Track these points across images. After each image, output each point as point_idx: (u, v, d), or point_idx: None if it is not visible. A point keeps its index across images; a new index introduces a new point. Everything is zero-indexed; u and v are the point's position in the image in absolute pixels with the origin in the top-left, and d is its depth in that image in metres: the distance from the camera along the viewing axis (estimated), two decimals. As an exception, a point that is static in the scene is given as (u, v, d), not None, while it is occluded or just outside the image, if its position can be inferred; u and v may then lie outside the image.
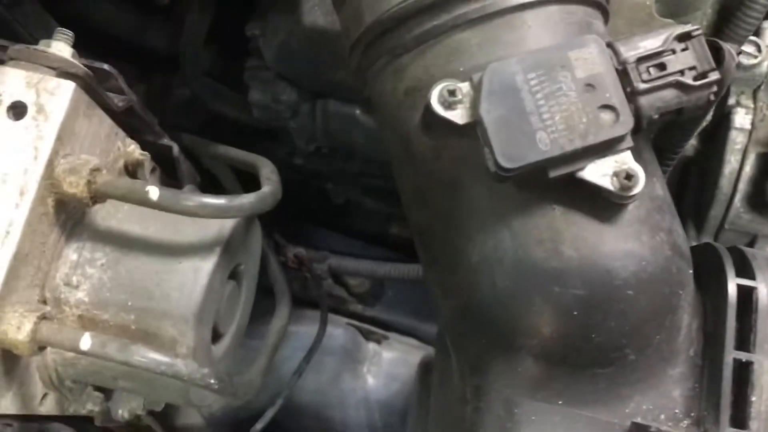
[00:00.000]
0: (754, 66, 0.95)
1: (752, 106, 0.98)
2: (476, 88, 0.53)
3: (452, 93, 0.54)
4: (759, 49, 0.95)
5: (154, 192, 0.55)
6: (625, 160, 0.52)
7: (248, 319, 0.75)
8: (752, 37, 0.94)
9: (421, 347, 1.28)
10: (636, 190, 0.52)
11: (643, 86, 0.52)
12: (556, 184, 0.53)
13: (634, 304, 0.54)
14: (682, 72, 0.52)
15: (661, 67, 0.53)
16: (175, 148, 0.74)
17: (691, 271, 0.59)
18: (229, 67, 1.31)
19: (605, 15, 0.64)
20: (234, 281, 0.68)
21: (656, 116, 0.53)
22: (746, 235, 1.00)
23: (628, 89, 0.52)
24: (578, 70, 0.52)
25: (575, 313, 0.54)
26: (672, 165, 0.73)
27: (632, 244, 0.54)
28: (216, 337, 0.67)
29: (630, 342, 0.55)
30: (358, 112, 1.14)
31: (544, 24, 0.57)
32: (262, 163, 0.69)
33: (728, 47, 0.58)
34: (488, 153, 0.52)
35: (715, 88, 0.53)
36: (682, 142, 0.70)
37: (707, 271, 0.60)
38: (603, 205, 0.54)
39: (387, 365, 1.26)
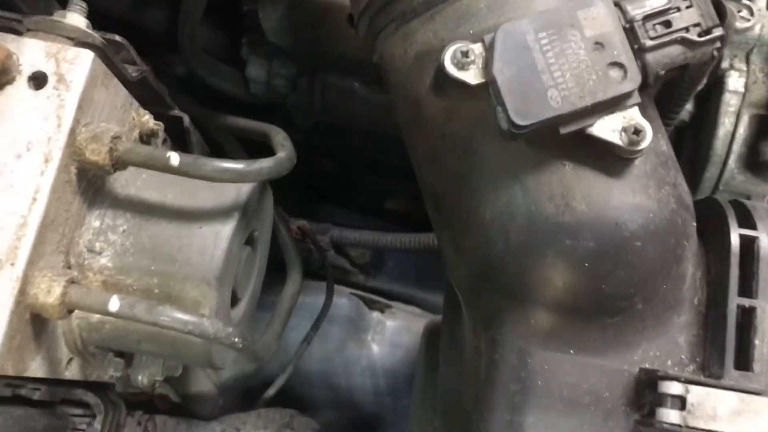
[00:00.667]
0: (746, 29, 0.97)
1: (745, 69, 1.00)
2: (488, 49, 0.54)
3: (465, 54, 0.55)
4: (752, 13, 0.98)
5: (174, 158, 0.57)
6: (633, 115, 0.54)
7: (261, 286, 0.77)
8: (745, 1, 0.96)
9: (423, 315, 1.30)
10: (643, 145, 0.54)
11: (650, 43, 0.54)
12: (566, 140, 0.54)
13: (642, 255, 0.57)
14: (687, 29, 0.54)
15: (667, 24, 0.54)
16: (186, 119, 0.75)
17: (694, 224, 0.62)
18: (226, 44, 1.31)
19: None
20: (249, 247, 0.70)
21: (662, 72, 0.55)
22: (740, 196, 1.03)
23: (636, 46, 0.54)
24: (587, 29, 0.54)
25: (586, 264, 0.56)
26: (672, 125, 0.75)
27: (640, 198, 0.57)
28: (234, 301, 0.68)
29: (638, 292, 0.58)
30: (357, 85, 1.15)
31: (553, -14, 0.59)
32: (275, 131, 0.71)
33: (730, 5, 0.60)
34: (501, 111, 0.53)
35: (718, 44, 0.55)
36: (681, 101, 0.72)
37: (710, 223, 0.63)
38: (612, 160, 0.56)
39: (391, 333, 1.29)
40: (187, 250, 0.60)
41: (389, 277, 1.36)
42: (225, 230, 0.61)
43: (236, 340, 0.57)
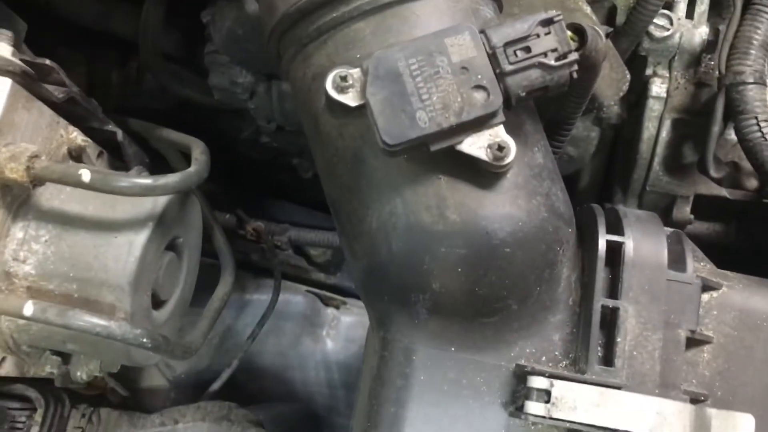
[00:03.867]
0: (666, 38, 1.02)
1: (667, 75, 1.05)
2: (365, 74, 0.60)
3: (344, 78, 0.60)
4: (671, 22, 1.02)
5: (86, 174, 0.62)
6: (498, 133, 0.59)
7: (193, 286, 0.83)
8: (664, 10, 1.01)
9: (378, 311, 1.35)
10: (508, 160, 0.59)
11: (510, 68, 0.59)
12: (440, 156, 0.59)
13: (512, 261, 0.62)
14: (545, 54, 0.59)
15: (527, 50, 0.59)
16: (119, 134, 0.80)
17: (570, 230, 0.66)
18: (194, 51, 1.36)
19: (496, 0, 0.70)
20: (173, 253, 0.75)
21: (523, 94, 0.59)
22: (666, 196, 1.08)
23: (498, 70, 0.59)
24: (454, 55, 0.59)
25: (459, 269, 0.61)
26: (568, 135, 0.80)
27: (509, 208, 0.61)
28: (158, 303, 0.74)
29: (511, 294, 0.63)
30: (309, 91, 1.20)
31: (431, 13, 0.64)
32: (195, 145, 0.76)
33: (592, 29, 0.64)
34: (376, 131, 0.59)
35: (575, 67, 0.60)
36: (573, 114, 0.77)
37: (586, 228, 0.68)
38: (482, 173, 0.61)
39: (345, 329, 1.34)
40: (103, 258, 0.66)
41: (349, 275, 1.41)
42: (139, 239, 0.66)
43: (144, 340, 0.63)
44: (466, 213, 0.61)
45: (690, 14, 1.03)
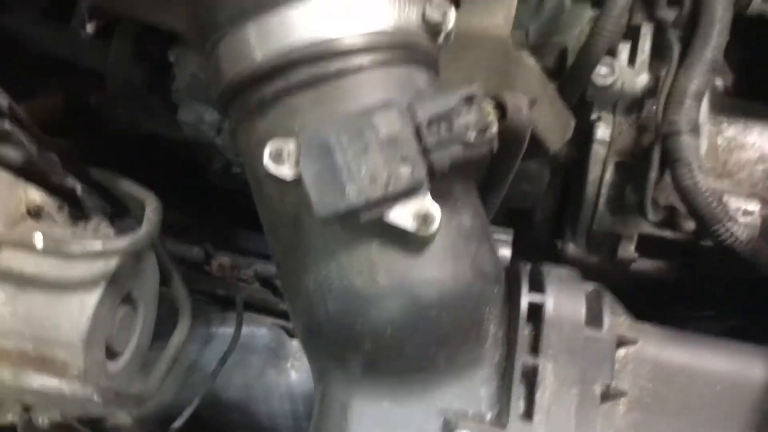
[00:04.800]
0: (608, 85, 1.07)
1: (611, 120, 1.10)
2: (299, 147, 0.64)
3: (280, 152, 0.64)
4: (613, 69, 1.07)
5: (39, 241, 0.66)
6: (423, 203, 0.63)
7: (151, 333, 0.86)
8: (607, 57, 1.05)
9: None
10: (433, 229, 0.63)
11: (433, 143, 0.63)
12: (371, 224, 0.64)
13: (439, 322, 0.66)
14: (466, 130, 0.63)
15: (449, 125, 0.63)
16: (78, 189, 0.84)
17: (497, 289, 0.71)
18: (164, 82, 1.40)
19: (431, 66, 0.74)
20: (128, 306, 0.79)
21: (447, 166, 0.64)
22: (612, 235, 1.12)
23: (422, 145, 0.63)
24: (382, 131, 0.63)
25: (389, 330, 0.65)
26: (502, 193, 0.84)
27: (436, 272, 0.66)
28: (113, 354, 0.78)
29: (439, 352, 0.67)
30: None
31: (365, 86, 0.68)
32: (148, 201, 0.80)
33: (514, 102, 0.69)
34: (310, 203, 0.63)
35: (494, 142, 0.64)
36: (505, 175, 0.81)
37: (512, 286, 0.72)
38: (410, 239, 0.65)
39: (309, 360, 1.37)
40: (57, 318, 0.69)
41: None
42: (91, 299, 0.70)
43: (95, 398, 0.66)
44: (395, 277, 0.65)
45: (632, 61, 1.07)
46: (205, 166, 1.42)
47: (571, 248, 1.17)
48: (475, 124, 0.63)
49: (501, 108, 0.67)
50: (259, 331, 1.34)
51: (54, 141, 1.41)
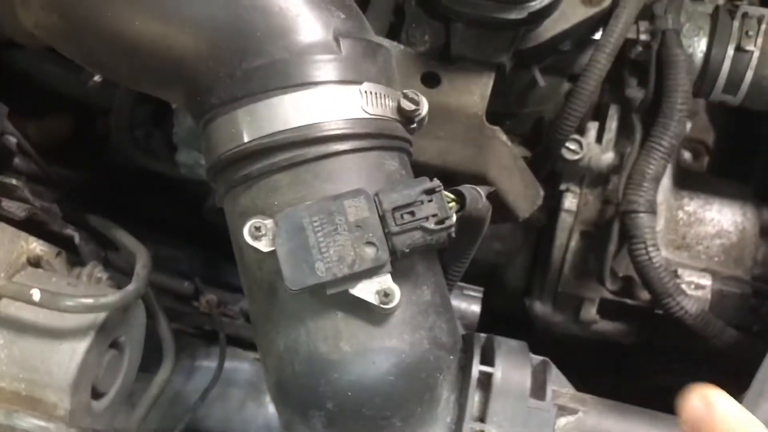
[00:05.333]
0: (577, 161, 1.14)
1: (579, 192, 1.17)
2: (276, 225, 0.71)
3: (258, 229, 0.71)
4: (581, 147, 1.14)
5: (36, 295, 0.73)
6: (385, 281, 0.70)
7: (135, 374, 0.93)
8: (575, 136, 1.13)
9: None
10: (393, 304, 0.70)
11: (396, 229, 0.70)
12: (337, 296, 0.71)
13: (395, 387, 0.72)
14: (426, 218, 0.71)
15: (412, 214, 0.71)
16: (76, 238, 0.91)
17: (452, 357, 0.77)
18: (166, 121, 1.47)
19: (403, 150, 0.81)
20: (115, 350, 0.86)
21: (407, 250, 0.71)
22: (576, 299, 1.20)
23: (386, 230, 0.70)
24: (350, 215, 0.70)
25: (349, 393, 0.72)
26: (464, 267, 0.91)
27: (395, 342, 0.72)
28: (99, 395, 0.85)
29: (395, 414, 0.74)
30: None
31: (340, 170, 0.75)
32: (139, 255, 0.87)
33: (472, 192, 0.76)
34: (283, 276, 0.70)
35: (452, 230, 0.71)
36: (467, 252, 0.88)
37: (466, 355, 0.79)
38: (373, 312, 0.72)
39: (288, 394, 1.43)
40: (49, 363, 0.76)
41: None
42: (80, 347, 0.77)
43: (79, 439, 0.73)
44: (356, 345, 0.72)
45: (600, 139, 1.15)
46: (199, 203, 1.49)
47: (538, 307, 1.24)
48: (434, 214, 0.71)
49: (461, 198, 0.74)
50: (241, 365, 1.41)
51: (58, 172, 1.48)
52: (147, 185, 1.60)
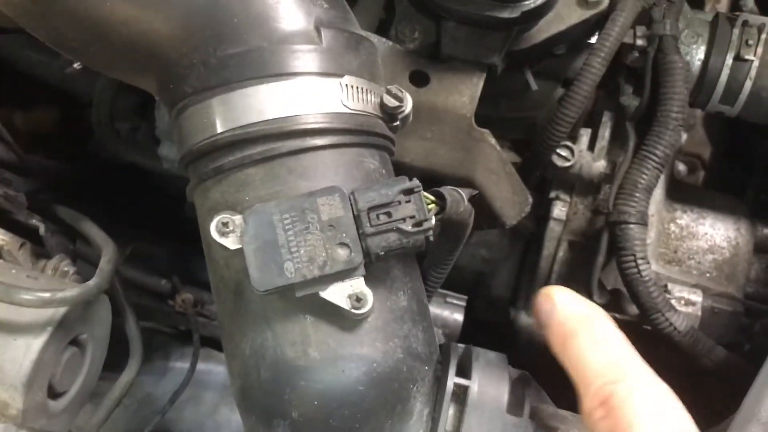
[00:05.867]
0: (567, 168, 1.11)
1: (568, 200, 1.14)
2: (245, 221, 0.67)
3: (226, 224, 0.67)
4: (572, 154, 1.11)
5: (-11, 287, 0.69)
6: (358, 285, 0.67)
7: (98, 373, 0.89)
8: (566, 142, 1.10)
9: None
10: (365, 309, 0.66)
11: (371, 230, 0.66)
12: (307, 299, 0.67)
13: (365, 397, 0.68)
14: (403, 219, 0.67)
15: (388, 214, 0.67)
16: (41, 228, 0.87)
17: (427, 368, 0.73)
18: (149, 113, 1.43)
19: (384, 148, 0.77)
20: (75, 348, 0.82)
21: (382, 253, 0.67)
22: (563, 310, 1.16)
23: (360, 231, 0.66)
24: (324, 214, 0.66)
25: (316, 402, 0.68)
26: (444, 274, 0.87)
27: (366, 350, 0.69)
28: (56, 395, 0.80)
29: (363, 426, 0.69)
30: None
31: (316, 166, 0.71)
32: (105, 249, 0.83)
33: (453, 194, 0.72)
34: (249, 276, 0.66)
35: (429, 233, 0.68)
36: (448, 258, 0.85)
37: (442, 366, 0.75)
38: (344, 317, 0.68)
39: (263, 398, 1.39)
40: (1, 359, 0.72)
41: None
42: (36, 343, 0.73)
43: (29, 440, 0.69)
44: (325, 351, 0.68)
45: (592, 147, 1.12)
46: (181, 198, 1.45)
47: (523, 317, 1.20)
48: (412, 215, 0.67)
49: (441, 199, 0.70)
50: (216, 367, 1.37)
51: (41, 163, 1.44)
52: (129, 179, 1.57)
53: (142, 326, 1.03)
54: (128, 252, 1.33)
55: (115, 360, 0.99)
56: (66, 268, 0.90)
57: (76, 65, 1.26)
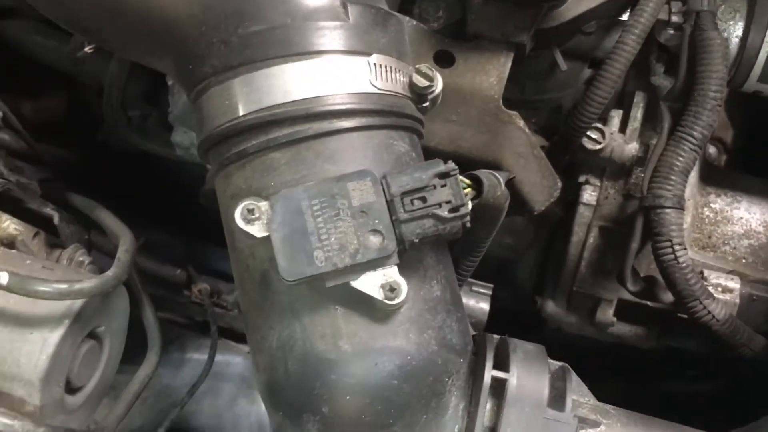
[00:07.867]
0: (598, 151, 1.06)
1: (599, 184, 1.10)
2: (271, 209, 0.64)
3: (251, 211, 0.64)
4: (603, 136, 1.07)
5: (4, 278, 0.66)
6: (391, 274, 0.63)
7: (116, 367, 0.86)
8: (597, 124, 1.05)
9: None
10: (399, 300, 0.63)
11: (405, 216, 0.63)
12: (337, 289, 0.63)
13: (399, 392, 0.65)
14: (439, 205, 0.63)
15: (423, 199, 0.63)
16: (56, 218, 0.84)
17: (462, 360, 0.70)
18: (161, 99, 1.40)
19: (414, 130, 0.74)
20: (93, 341, 0.79)
21: (417, 240, 0.63)
22: (591, 298, 1.12)
23: (394, 217, 0.63)
24: (354, 199, 0.63)
25: (347, 397, 0.65)
26: (478, 259, 0.84)
27: (400, 342, 0.65)
28: (74, 390, 0.77)
29: (397, 421, 0.66)
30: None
31: (344, 149, 0.68)
32: (123, 239, 0.80)
33: (490, 178, 0.68)
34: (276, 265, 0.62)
35: (467, 219, 0.64)
36: (482, 242, 0.81)
37: (478, 359, 0.71)
38: (376, 308, 0.64)
39: (281, 390, 1.36)
40: (17, 353, 0.69)
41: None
42: (53, 337, 0.70)
43: (46, 436, 0.66)
44: (357, 344, 0.65)
45: (623, 129, 1.07)
46: (196, 186, 1.42)
47: (551, 306, 1.17)
48: (448, 200, 0.63)
49: (477, 184, 0.67)
50: (234, 359, 1.34)
51: (52, 151, 1.41)
52: (142, 168, 1.53)
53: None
54: (141, 242, 1.30)
55: (131, 352, 0.97)
56: (81, 258, 0.87)
57: (87, 48, 1.22)
